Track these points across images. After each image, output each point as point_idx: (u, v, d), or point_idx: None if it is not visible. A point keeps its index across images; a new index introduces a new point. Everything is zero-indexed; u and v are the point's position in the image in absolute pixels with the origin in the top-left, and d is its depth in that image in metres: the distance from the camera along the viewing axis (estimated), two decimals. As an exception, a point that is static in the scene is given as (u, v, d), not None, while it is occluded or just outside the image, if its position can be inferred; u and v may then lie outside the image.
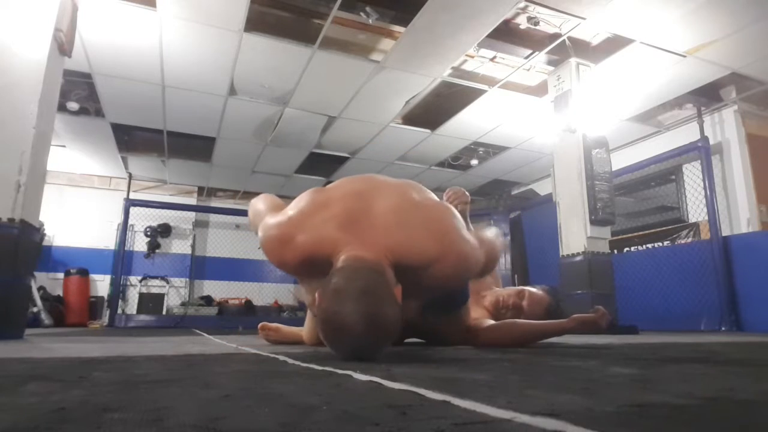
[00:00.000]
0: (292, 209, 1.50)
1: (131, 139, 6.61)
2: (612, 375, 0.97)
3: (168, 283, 8.13)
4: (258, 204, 1.76)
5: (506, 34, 4.19)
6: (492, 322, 2.07)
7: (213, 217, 8.91)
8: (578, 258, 4.20)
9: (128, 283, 7.82)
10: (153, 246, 8.16)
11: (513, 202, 8.48)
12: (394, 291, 1.26)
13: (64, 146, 6.72)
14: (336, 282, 1.24)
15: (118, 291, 7.44)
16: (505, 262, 7.72)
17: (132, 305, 7.78)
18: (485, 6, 3.71)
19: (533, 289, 2.29)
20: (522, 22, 4.09)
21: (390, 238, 1.36)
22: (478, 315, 2.13)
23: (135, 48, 4.35)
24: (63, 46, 2.86)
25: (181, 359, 1.38)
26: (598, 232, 4.23)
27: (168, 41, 4.25)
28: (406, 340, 2.23)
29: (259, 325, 2.23)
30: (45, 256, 7.15)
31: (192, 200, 8.70)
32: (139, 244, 8.12)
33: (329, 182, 8.44)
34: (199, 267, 8.60)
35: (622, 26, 4.02)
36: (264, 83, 4.97)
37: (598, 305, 1.90)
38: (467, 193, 2.22)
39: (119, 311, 7.32)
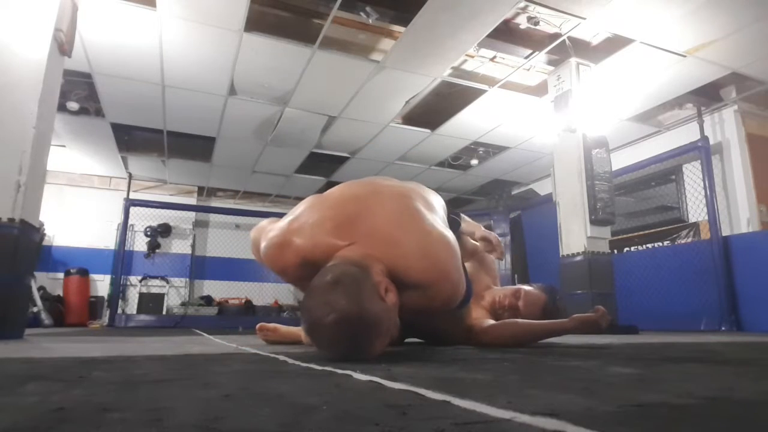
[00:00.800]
0: (290, 215, 1.49)
1: (131, 139, 6.61)
2: (612, 375, 0.97)
3: (168, 283, 8.13)
4: (262, 223, 1.78)
5: (506, 34, 4.19)
6: (492, 321, 2.07)
7: (213, 217, 8.91)
8: (578, 258, 4.20)
9: (128, 283, 7.82)
10: (153, 246, 8.16)
11: (513, 202, 8.47)
12: (376, 285, 1.21)
13: (64, 146, 6.72)
14: (314, 279, 1.24)
15: (118, 291, 7.44)
16: (505, 262, 7.72)
17: (132, 305, 7.78)
18: (485, 6, 3.71)
19: (530, 288, 2.28)
20: (522, 22, 4.09)
21: (384, 247, 1.32)
22: (479, 315, 2.13)
23: (135, 48, 4.35)
24: (63, 46, 2.86)
25: (181, 359, 1.38)
26: (598, 232, 4.23)
27: (168, 41, 4.25)
28: (406, 340, 2.23)
29: (257, 326, 2.23)
30: (45, 256, 7.16)
31: (192, 200, 8.70)
32: (139, 244, 8.12)
33: (329, 182, 8.44)
34: (199, 267, 8.60)
35: (622, 26, 4.02)
36: (264, 83, 4.97)
37: (599, 305, 1.90)
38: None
39: (119, 311, 7.32)
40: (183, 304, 7.86)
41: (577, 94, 4.36)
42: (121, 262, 7.42)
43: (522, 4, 3.75)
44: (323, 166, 7.45)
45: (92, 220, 7.83)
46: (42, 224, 3.32)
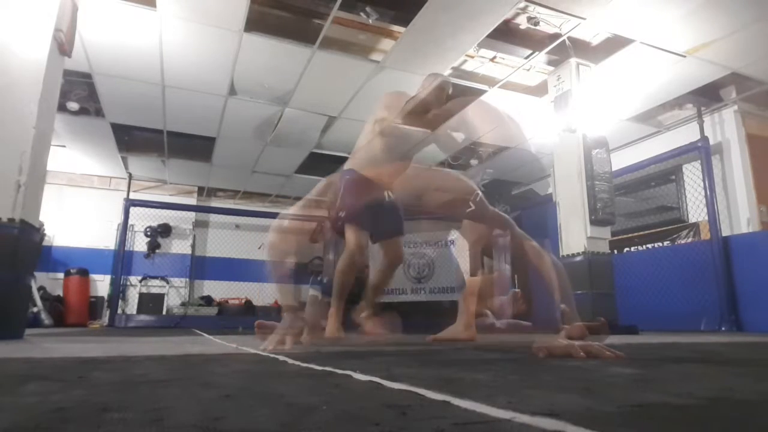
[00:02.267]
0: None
1: (131, 139, 6.61)
2: (612, 375, 0.97)
3: (168, 283, 8.13)
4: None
5: (506, 34, 4.19)
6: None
7: (213, 217, 8.90)
8: (578, 258, 4.20)
9: (128, 283, 7.82)
10: (153, 246, 8.15)
11: (513, 202, 8.47)
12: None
13: (64, 146, 6.71)
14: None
15: (118, 291, 7.43)
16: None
17: (132, 305, 7.78)
18: (485, 6, 3.71)
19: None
20: (522, 22, 4.09)
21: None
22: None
23: (135, 48, 4.35)
24: (63, 46, 2.86)
25: (181, 359, 1.38)
26: (598, 232, 4.23)
27: (168, 41, 4.25)
28: (406, 341, 2.23)
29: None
30: (45, 256, 7.14)
31: (192, 200, 8.69)
32: (139, 244, 8.11)
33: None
34: (199, 267, 8.59)
35: (622, 26, 4.02)
36: (264, 83, 4.97)
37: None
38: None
39: (119, 311, 7.32)
40: (183, 304, 7.85)
41: (577, 94, 4.35)
42: (121, 262, 7.42)
43: (522, 4, 3.75)
44: (323, 166, 7.43)
45: (92, 220, 7.82)
46: (42, 224, 3.32)
